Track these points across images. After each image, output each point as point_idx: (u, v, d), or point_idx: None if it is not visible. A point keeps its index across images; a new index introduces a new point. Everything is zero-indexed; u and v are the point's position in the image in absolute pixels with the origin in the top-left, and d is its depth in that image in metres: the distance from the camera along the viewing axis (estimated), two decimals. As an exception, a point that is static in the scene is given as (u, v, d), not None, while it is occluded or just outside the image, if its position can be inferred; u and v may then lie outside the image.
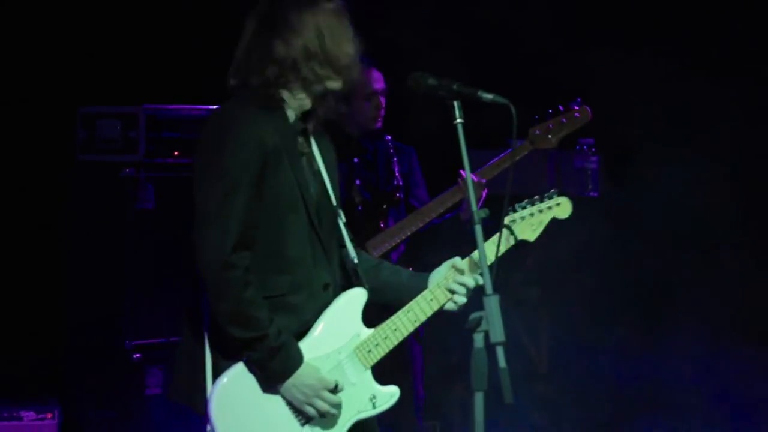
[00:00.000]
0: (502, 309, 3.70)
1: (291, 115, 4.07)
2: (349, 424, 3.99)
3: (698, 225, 7.24)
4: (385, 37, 7.44)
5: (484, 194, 5.62)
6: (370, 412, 4.02)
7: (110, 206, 6.62)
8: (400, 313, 4.07)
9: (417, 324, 4.08)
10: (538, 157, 7.24)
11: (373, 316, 4.07)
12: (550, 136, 5.58)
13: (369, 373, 4.03)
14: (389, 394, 4.05)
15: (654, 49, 7.65)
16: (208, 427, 3.88)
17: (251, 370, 3.89)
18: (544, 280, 7.38)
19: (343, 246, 4.19)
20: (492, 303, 3.72)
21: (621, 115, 7.43)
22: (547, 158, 7.39)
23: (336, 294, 4.06)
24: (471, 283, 4.11)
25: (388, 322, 4.07)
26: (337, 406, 3.94)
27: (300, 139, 4.10)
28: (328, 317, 4.00)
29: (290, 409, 3.92)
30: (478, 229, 3.85)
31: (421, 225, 5.71)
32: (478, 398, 3.68)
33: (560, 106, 5.62)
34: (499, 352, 3.64)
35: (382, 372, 5.76)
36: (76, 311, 6.65)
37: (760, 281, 7.38)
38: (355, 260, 4.17)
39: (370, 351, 4.02)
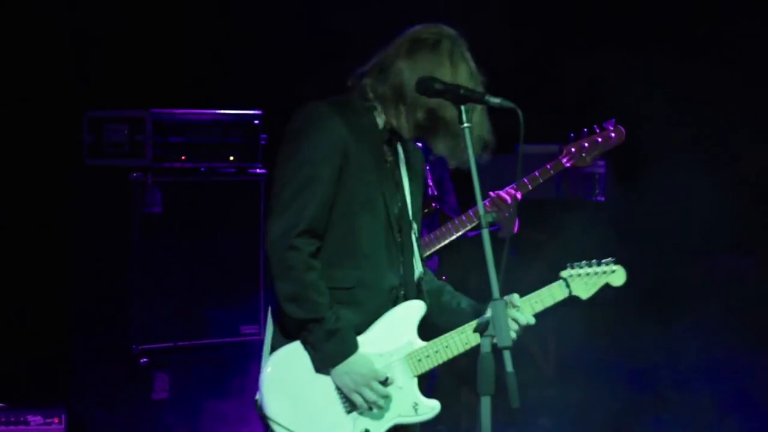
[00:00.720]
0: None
1: (380, 123, 4.13)
2: (389, 424, 4.04)
3: (705, 229, 7.22)
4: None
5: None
6: (411, 418, 4.08)
7: (117, 210, 6.64)
8: (454, 333, 4.13)
9: (467, 347, 4.12)
10: (546, 162, 7.23)
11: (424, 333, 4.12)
12: (584, 154, 5.63)
13: (416, 381, 4.09)
14: (431, 407, 4.11)
15: (663, 52, 7.64)
16: (257, 395, 4.00)
17: (306, 350, 3.97)
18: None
19: (412, 259, 4.23)
20: (499, 308, 3.73)
21: (629, 119, 7.43)
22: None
23: (400, 300, 4.13)
24: (523, 321, 4.19)
25: (442, 338, 4.12)
26: (384, 400, 4.00)
27: (385, 148, 4.16)
28: (387, 320, 4.08)
29: (338, 394, 3.99)
30: (485, 233, 3.85)
31: (452, 238, 5.69)
32: (485, 402, 3.68)
33: (596, 126, 5.67)
34: (506, 356, 3.64)
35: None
36: (83, 315, 6.67)
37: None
38: (421, 276, 4.24)
39: (420, 360, 4.08)
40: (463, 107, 3.98)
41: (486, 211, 5.60)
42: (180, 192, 6.78)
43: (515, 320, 4.17)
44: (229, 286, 6.89)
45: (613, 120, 5.65)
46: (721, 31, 7.59)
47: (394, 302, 4.11)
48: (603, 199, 7.21)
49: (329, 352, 3.94)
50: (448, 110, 4.01)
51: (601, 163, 7.24)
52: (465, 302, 4.28)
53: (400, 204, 4.16)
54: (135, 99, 7.12)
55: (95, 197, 6.74)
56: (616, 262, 4.40)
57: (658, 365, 7.30)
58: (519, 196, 5.60)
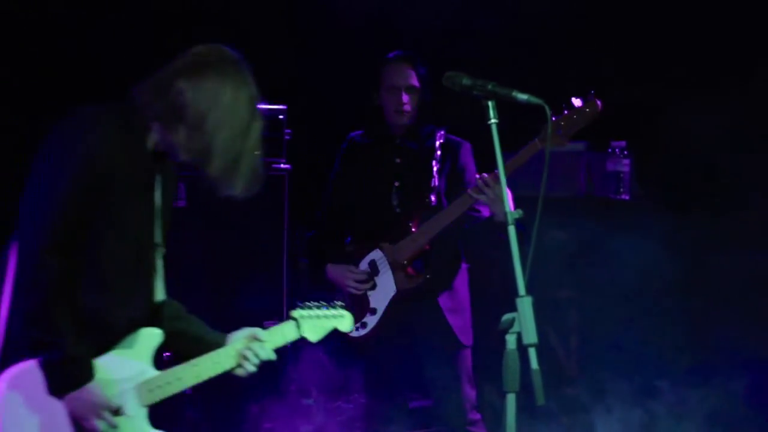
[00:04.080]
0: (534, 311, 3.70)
1: (150, 142, 4.01)
2: None
3: (734, 226, 7.19)
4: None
5: (510, 193, 5.55)
6: None
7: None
8: (186, 364, 4.12)
9: (199, 380, 4.13)
10: (570, 160, 7.21)
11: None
12: (560, 131, 5.40)
13: (145, 411, 4.05)
14: None
15: (686, 48, 7.62)
16: None
17: (41, 371, 3.84)
18: (574, 281, 7.34)
19: (157, 284, 4.18)
20: (525, 304, 3.71)
21: (654, 117, 7.41)
22: (580, 161, 7.35)
23: (138, 326, 4.05)
24: (263, 356, 4.23)
25: (174, 369, 4.11)
26: (113, 430, 3.93)
27: (147, 169, 4.03)
28: (125, 346, 4.01)
29: (68, 419, 3.89)
30: (512, 230, 3.85)
31: (438, 230, 5.62)
32: (510, 399, 3.67)
33: (574, 100, 5.42)
34: (532, 353, 3.63)
35: (433, 377, 5.77)
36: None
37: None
38: (164, 301, 4.20)
39: (151, 390, 4.04)
40: (489, 103, 3.98)
41: (466, 198, 5.56)
42: (204, 186, 6.76)
43: (256, 354, 4.20)
44: (252, 280, 6.90)
45: (591, 92, 5.44)
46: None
47: (135, 329, 4.03)
48: (628, 197, 7.17)
49: (65, 377, 3.83)
50: (234, 131, 3.92)
51: (625, 162, 7.20)
52: (206, 331, 4.26)
53: (151, 227, 4.06)
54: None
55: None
56: (344, 308, 4.47)
57: (682, 360, 7.25)
58: (497, 173, 5.44)
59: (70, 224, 3.80)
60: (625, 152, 7.16)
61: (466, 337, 5.87)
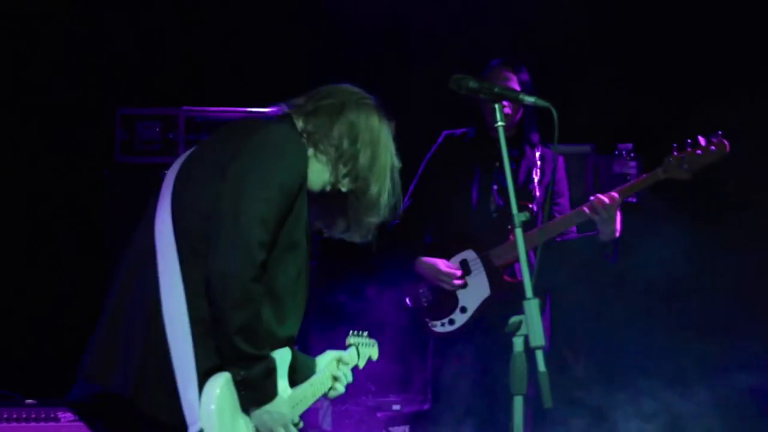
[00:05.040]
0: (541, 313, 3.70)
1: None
2: None
3: (742, 227, 7.19)
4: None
5: (618, 215, 5.56)
6: None
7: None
8: (306, 384, 4.10)
9: (315, 399, 4.15)
10: (577, 163, 7.22)
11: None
12: (685, 166, 5.50)
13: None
14: None
15: (695, 50, 7.63)
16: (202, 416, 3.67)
17: (234, 385, 3.73)
18: (584, 284, 7.34)
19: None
20: (531, 307, 3.72)
21: (661, 119, 7.41)
22: (587, 163, 7.36)
23: (292, 345, 4.00)
24: (344, 381, 4.32)
25: (301, 388, 4.05)
26: None
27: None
28: (279, 362, 3.90)
29: None
30: (519, 233, 3.85)
31: (541, 241, 5.56)
32: (517, 402, 3.67)
33: (700, 138, 5.53)
34: (539, 355, 3.63)
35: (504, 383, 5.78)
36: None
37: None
38: None
39: (293, 406, 3.96)
40: (496, 106, 3.99)
41: (581, 214, 5.59)
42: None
43: (346, 376, 4.33)
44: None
45: (720, 132, 5.51)
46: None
47: (290, 346, 3.96)
48: (635, 200, 7.17)
49: (264, 390, 3.75)
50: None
51: (632, 164, 7.20)
52: (304, 356, 4.22)
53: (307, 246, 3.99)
54: (168, 97, 7.14)
55: (127, 194, 6.75)
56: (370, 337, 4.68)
57: (694, 362, 7.25)
58: (615, 195, 5.50)
59: (273, 238, 3.73)
60: (632, 154, 7.16)
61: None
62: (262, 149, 3.77)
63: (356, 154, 3.97)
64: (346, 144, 3.96)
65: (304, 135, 3.95)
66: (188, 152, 4.00)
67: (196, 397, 3.60)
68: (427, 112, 6.99)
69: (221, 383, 3.65)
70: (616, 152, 7.21)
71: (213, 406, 3.61)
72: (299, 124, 3.97)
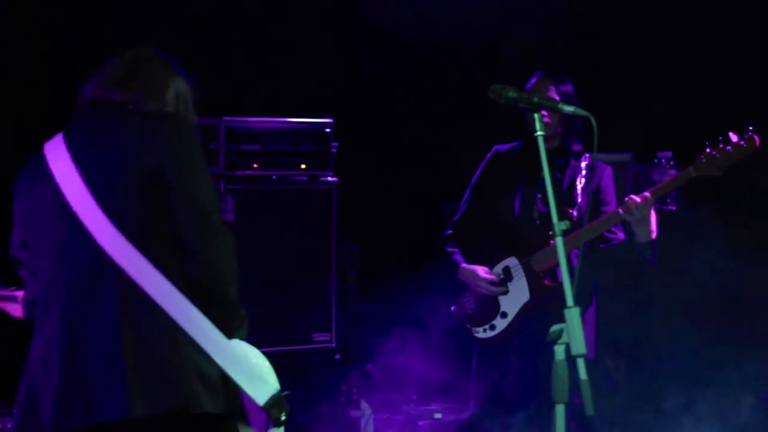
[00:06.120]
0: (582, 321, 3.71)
1: None
2: None
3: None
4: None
5: (653, 216, 5.55)
6: None
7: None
8: None
9: None
10: (617, 171, 7.20)
11: None
12: (715, 164, 5.49)
13: None
14: None
15: (739, 61, 7.61)
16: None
17: None
18: (622, 292, 7.33)
19: None
20: (573, 315, 3.73)
21: (701, 127, 7.39)
22: (627, 171, 7.35)
23: None
24: None
25: None
26: None
27: None
28: None
29: None
30: (560, 241, 3.86)
31: (577, 245, 5.63)
32: (560, 410, 3.68)
33: (731, 134, 5.50)
34: (580, 364, 3.64)
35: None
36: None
37: None
38: None
39: None
40: (536, 115, 4.00)
41: (616, 215, 5.60)
42: (252, 200, 6.85)
43: None
44: (301, 294, 6.93)
45: (751, 128, 5.50)
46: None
47: None
48: (675, 208, 7.16)
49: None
50: None
51: (672, 172, 7.17)
52: None
53: None
54: (208, 107, 7.18)
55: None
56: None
57: (733, 374, 7.22)
58: (647, 195, 5.49)
59: None
60: (671, 162, 7.14)
61: (589, 351, 5.87)
62: (180, 141, 3.94)
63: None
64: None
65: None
66: (56, 169, 3.86)
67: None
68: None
69: (245, 346, 3.95)
70: (656, 160, 7.19)
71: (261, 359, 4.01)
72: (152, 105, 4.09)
